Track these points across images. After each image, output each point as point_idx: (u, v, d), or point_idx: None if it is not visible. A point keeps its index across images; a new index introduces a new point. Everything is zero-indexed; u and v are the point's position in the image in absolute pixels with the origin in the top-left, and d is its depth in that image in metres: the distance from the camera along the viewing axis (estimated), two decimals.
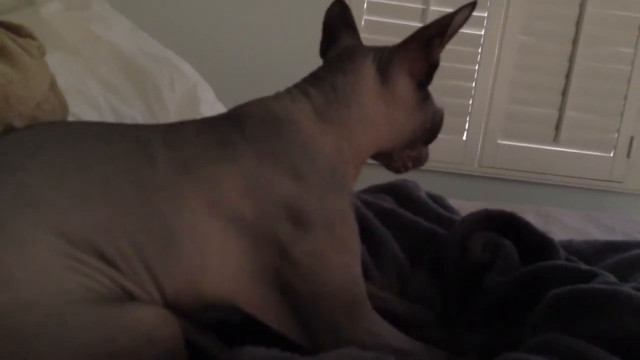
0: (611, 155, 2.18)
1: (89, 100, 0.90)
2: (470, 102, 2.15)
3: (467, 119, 2.16)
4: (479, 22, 2.09)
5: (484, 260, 0.78)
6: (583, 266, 0.71)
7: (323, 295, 0.61)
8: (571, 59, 2.11)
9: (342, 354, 0.48)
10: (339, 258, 0.62)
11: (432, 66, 0.71)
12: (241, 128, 0.64)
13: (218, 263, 0.58)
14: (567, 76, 2.12)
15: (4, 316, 0.47)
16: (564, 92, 2.13)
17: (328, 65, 0.73)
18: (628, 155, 2.16)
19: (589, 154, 2.19)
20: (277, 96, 0.70)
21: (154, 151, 0.59)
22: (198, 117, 0.68)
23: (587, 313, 0.56)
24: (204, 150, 0.61)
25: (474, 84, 2.14)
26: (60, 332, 0.48)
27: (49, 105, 0.70)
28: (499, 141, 2.17)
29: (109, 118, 0.94)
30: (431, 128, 0.76)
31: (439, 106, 0.77)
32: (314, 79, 0.72)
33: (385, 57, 0.71)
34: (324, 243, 0.61)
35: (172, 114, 1.05)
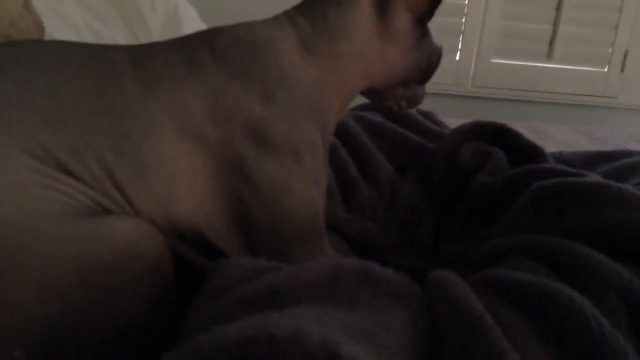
0: (605, 70, 2.16)
1: (66, 20, 0.87)
2: (463, 20, 2.11)
3: (460, 39, 2.12)
4: None
5: (472, 166, 0.78)
6: (571, 170, 0.70)
7: (281, 225, 0.60)
8: None
9: (325, 265, 0.48)
10: (303, 189, 0.61)
11: (435, 1, 0.68)
12: (213, 47, 0.61)
13: (185, 188, 0.57)
14: None
15: None
16: (558, 7, 2.09)
17: None
18: (622, 69, 2.14)
19: (583, 70, 2.17)
20: (263, 21, 0.66)
21: (121, 71, 0.57)
22: None
23: (572, 205, 0.55)
24: (171, 69, 0.58)
25: (466, 2, 2.09)
26: (41, 247, 0.47)
27: (23, 24, 0.68)
28: (492, 60, 2.14)
29: (88, 39, 0.91)
30: (427, 67, 0.73)
31: (436, 44, 0.73)
32: (305, 6, 0.67)
33: None
34: (288, 171, 0.60)
35: (154, 36, 1.02)
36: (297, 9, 0.68)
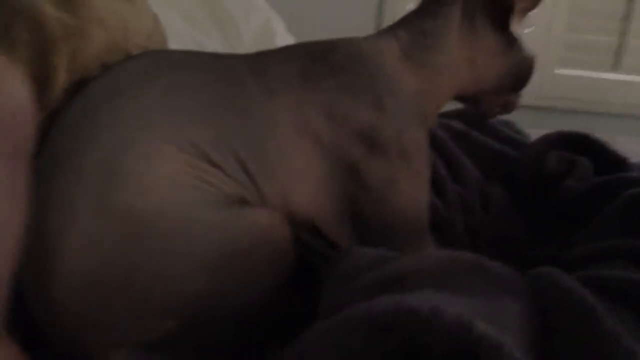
0: None
1: (174, 32, 0.95)
2: (530, 30, 2.13)
3: None
4: None
5: (559, 174, 0.81)
6: None
7: (389, 222, 0.66)
8: None
9: (440, 255, 0.53)
10: (411, 188, 0.67)
11: (506, 11, 0.72)
12: (326, 60, 0.67)
13: (302, 184, 0.63)
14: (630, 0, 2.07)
15: (140, 219, 0.53)
16: (626, 18, 2.08)
17: (419, 9, 0.75)
18: None
19: None
20: (370, 37, 0.73)
21: (243, 78, 0.64)
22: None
23: None
24: (288, 79, 0.65)
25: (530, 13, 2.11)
26: (189, 234, 0.55)
27: (156, 36, 0.76)
28: (556, 71, 2.15)
29: (192, 49, 0.99)
30: (518, 75, 0.77)
31: (528, 52, 0.77)
32: (405, 22, 0.74)
33: (472, 3, 0.73)
34: (398, 171, 0.66)
35: (248, 47, 1.10)
36: (397, 24, 0.75)
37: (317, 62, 0.67)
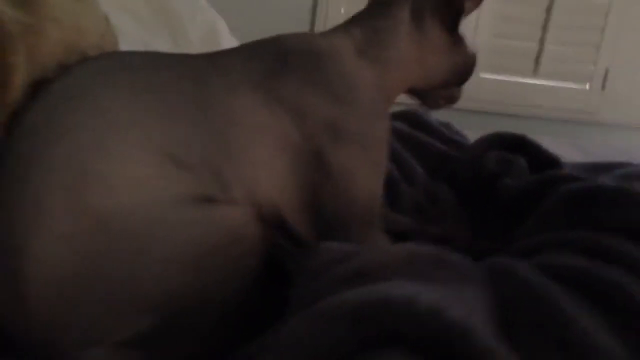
0: (587, 87, 2.30)
1: (122, 32, 0.94)
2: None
3: None
4: None
5: (497, 173, 0.87)
6: (585, 177, 0.80)
7: (345, 212, 0.68)
8: None
9: (403, 249, 0.57)
10: (368, 178, 0.70)
11: (457, 12, 0.78)
12: (286, 58, 0.70)
13: (268, 175, 0.65)
14: (548, 10, 2.20)
15: (110, 219, 0.54)
16: (545, 26, 2.22)
17: (370, 9, 0.79)
18: (603, 87, 2.28)
19: (566, 87, 2.30)
20: (323, 33, 0.77)
21: (206, 77, 0.66)
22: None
23: (598, 206, 0.64)
24: (251, 76, 0.67)
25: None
26: (160, 233, 0.55)
27: (108, 36, 0.75)
28: (482, 75, 2.26)
29: (139, 48, 0.98)
30: (463, 71, 0.83)
31: (471, 50, 0.82)
32: (356, 20, 0.78)
33: (419, 3, 0.77)
34: (357, 160, 0.69)
35: (196, 47, 1.10)
36: (349, 22, 0.79)
37: (278, 60, 0.69)
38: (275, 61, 0.69)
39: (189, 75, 0.65)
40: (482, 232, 0.84)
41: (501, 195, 0.84)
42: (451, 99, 0.86)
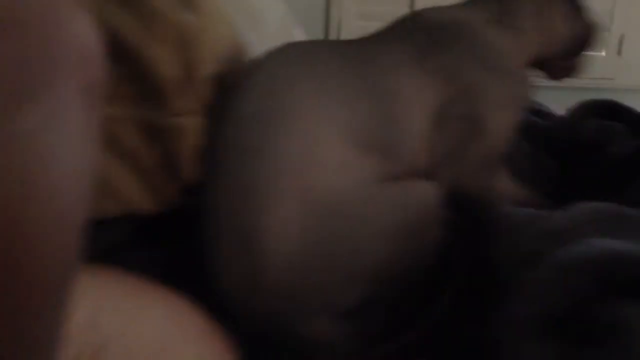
0: (603, 54, 2.35)
1: None
2: None
3: None
4: None
5: (597, 140, 0.92)
6: None
7: (480, 162, 0.73)
8: None
9: (586, 208, 0.61)
10: (507, 133, 0.76)
11: None
12: (430, 33, 0.75)
13: (424, 146, 0.70)
14: None
15: (332, 199, 0.60)
16: None
17: None
18: (619, 53, 2.35)
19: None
20: (455, 6, 0.82)
21: (370, 60, 0.71)
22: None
23: None
24: (405, 55, 0.73)
25: None
26: (370, 210, 0.62)
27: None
28: None
29: None
30: (583, 40, 0.87)
31: (591, 20, 0.87)
32: None
33: None
34: (502, 120, 0.75)
35: (274, 40, 1.12)
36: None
37: (425, 36, 0.75)
38: (423, 37, 0.75)
39: (356, 60, 0.70)
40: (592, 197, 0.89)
41: (603, 162, 0.88)
42: (572, 70, 0.90)
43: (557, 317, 0.49)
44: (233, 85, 0.66)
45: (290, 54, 0.70)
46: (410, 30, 0.76)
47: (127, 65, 0.57)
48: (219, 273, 0.60)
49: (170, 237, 0.65)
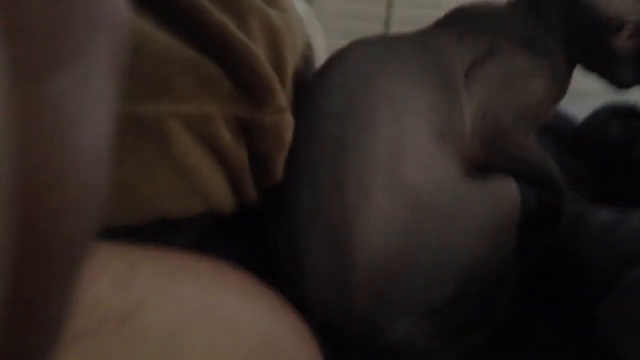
0: None
1: None
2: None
3: None
4: None
5: (624, 142, 0.94)
6: None
7: (511, 108, 0.73)
8: None
9: None
10: (536, 86, 0.76)
11: None
12: (470, 25, 0.77)
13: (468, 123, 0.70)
14: None
15: (423, 193, 0.59)
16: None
17: None
18: None
19: None
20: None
21: (432, 51, 0.72)
22: None
23: None
24: (458, 57, 0.73)
25: None
26: (460, 205, 0.61)
27: None
28: None
29: None
30: None
31: None
32: None
33: None
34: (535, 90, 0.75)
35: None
36: None
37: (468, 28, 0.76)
38: (464, 24, 0.76)
39: (424, 51, 0.71)
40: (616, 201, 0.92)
41: (633, 163, 0.91)
42: None
43: None
44: (314, 83, 0.66)
45: (365, 50, 0.70)
46: (458, 23, 0.78)
47: (228, 61, 0.55)
48: (303, 271, 0.59)
49: (245, 235, 0.64)
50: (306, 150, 0.62)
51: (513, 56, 0.74)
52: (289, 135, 0.60)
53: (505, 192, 0.65)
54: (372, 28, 2.31)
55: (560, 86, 0.81)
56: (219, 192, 0.58)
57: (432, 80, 0.68)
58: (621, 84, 0.78)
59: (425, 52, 0.71)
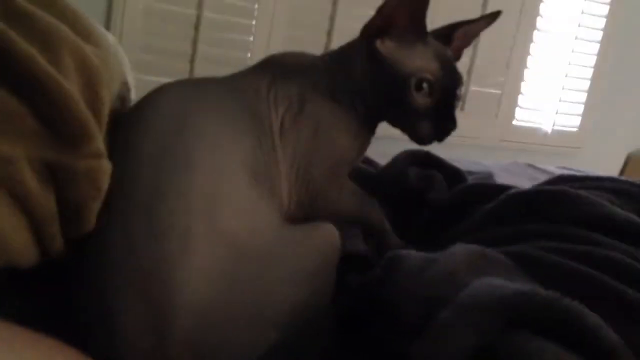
0: None
1: None
2: (249, 55, 2.37)
3: None
4: None
5: (421, 188, 1.04)
6: (501, 184, 1.02)
7: (321, 163, 0.76)
8: None
9: (460, 250, 0.68)
10: (343, 139, 0.81)
11: None
12: (278, 70, 0.80)
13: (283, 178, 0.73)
14: None
15: (241, 241, 0.59)
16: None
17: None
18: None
19: None
20: (303, 54, 0.88)
21: (244, 95, 0.73)
22: None
23: (541, 207, 0.82)
24: (256, 84, 0.76)
25: (251, 38, 2.37)
26: (279, 250, 0.62)
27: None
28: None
29: None
30: None
31: None
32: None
33: None
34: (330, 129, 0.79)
35: None
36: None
37: (275, 73, 0.79)
38: (276, 72, 0.78)
39: (241, 98, 0.72)
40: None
41: (431, 207, 1.00)
42: None
43: (470, 355, 0.55)
44: (128, 124, 0.62)
45: (180, 91, 0.68)
46: (267, 67, 0.80)
47: (34, 97, 0.48)
48: (115, 331, 0.54)
49: (47, 290, 0.57)
50: (119, 196, 0.57)
51: (322, 108, 0.77)
52: (105, 183, 0.55)
53: (326, 233, 0.67)
54: (178, 65, 2.29)
55: (365, 139, 0.86)
56: (19, 244, 0.50)
57: (247, 125, 0.68)
58: (422, 140, 0.83)
59: (240, 97, 0.72)
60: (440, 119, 0.80)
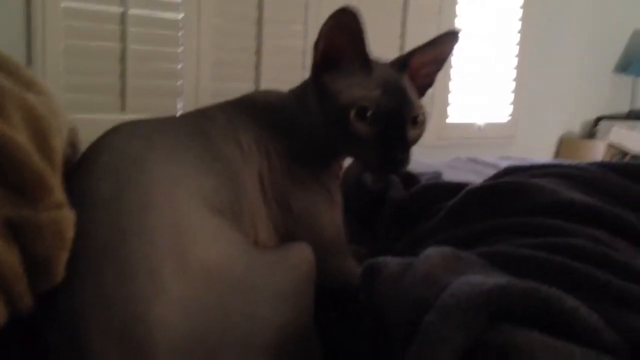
0: None
1: None
2: (179, 83, 2.35)
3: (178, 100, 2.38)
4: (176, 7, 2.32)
5: (378, 190, 1.05)
6: (454, 182, 1.04)
7: (318, 244, 0.73)
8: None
9: (434, 253, 0.69)
10: (329, 213, 0.81)
11: None
12: (252, 110, 0.81)
13: (263, 222, 0.73)
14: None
15: (214, 269, 0.58)
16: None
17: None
18: None
19: None
20: (273, 92, 0.88)
21: (207, 131, 0.73)
22: None
23: (505, 199, 0.85)
24: (232, 127, 0.76)
25: (179, 66, 2.35)
26: (255, 274, 0.61)
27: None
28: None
29: None
30: None
31: None
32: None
33: None
34: (318, 200, 0.80)
35: None
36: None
37: (247, 112, 0.80)
38: (246, 113, 0.79)
39: (197, 132, 0.71)
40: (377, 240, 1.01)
41: (392, 206, 1.01)
42: None
43: (460, 354, 0.55)
44: (80, 169, 0.61)
45: (133, 132, 0.67)
46: (234, 106, 0.80)
47: None
48: None
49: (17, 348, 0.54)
50: (83, 242, 0.55)
51: (287, 163, 0.78)
52: (70, 231, 0.53)
53: (299, 251, 0.67)
54: (107, 100, 2.24)
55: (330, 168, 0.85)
56: None
57: (209, 160, 0.68)
58: (372, 170, 0.84)
59: (200, 136, 0.71)
60: (386, 147, 0.76)
